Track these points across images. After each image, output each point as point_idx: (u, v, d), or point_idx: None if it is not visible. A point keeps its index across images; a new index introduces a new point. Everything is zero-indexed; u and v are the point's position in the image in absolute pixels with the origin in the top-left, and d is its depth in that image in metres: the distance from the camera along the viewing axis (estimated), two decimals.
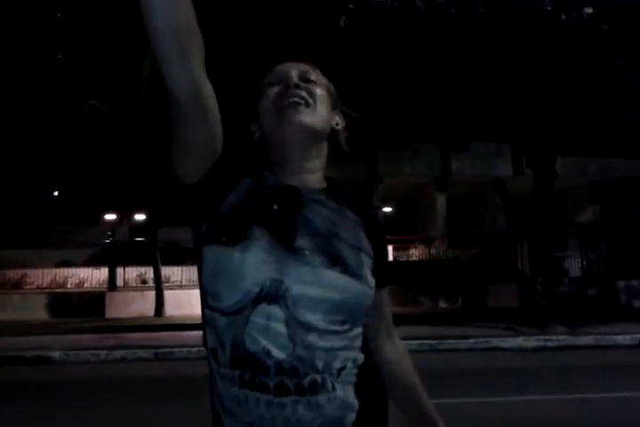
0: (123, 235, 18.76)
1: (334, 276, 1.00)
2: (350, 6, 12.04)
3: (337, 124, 1.19)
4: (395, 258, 18.26)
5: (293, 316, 0.98)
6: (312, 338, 0.98)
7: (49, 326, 13.10)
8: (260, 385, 0.97)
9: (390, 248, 18.20)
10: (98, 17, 14.42)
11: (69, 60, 15.21)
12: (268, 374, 0.96)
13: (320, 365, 0.98)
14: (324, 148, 1.17)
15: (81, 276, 17.82)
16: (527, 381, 6.49)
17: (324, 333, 0.98)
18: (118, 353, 9.09)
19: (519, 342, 9.83)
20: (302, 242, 1.02)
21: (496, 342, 9.78)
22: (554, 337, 10.04)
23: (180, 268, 16.43)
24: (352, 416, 1.02)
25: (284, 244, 1.02)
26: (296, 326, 0.97)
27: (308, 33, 12.77)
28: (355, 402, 1.03)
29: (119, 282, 17.36)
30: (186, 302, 15.05)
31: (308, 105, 1.11)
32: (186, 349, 9.39)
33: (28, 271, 16.50)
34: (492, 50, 12.92)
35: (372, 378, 1.10)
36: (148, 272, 16.42)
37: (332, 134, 1.18)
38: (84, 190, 17.23)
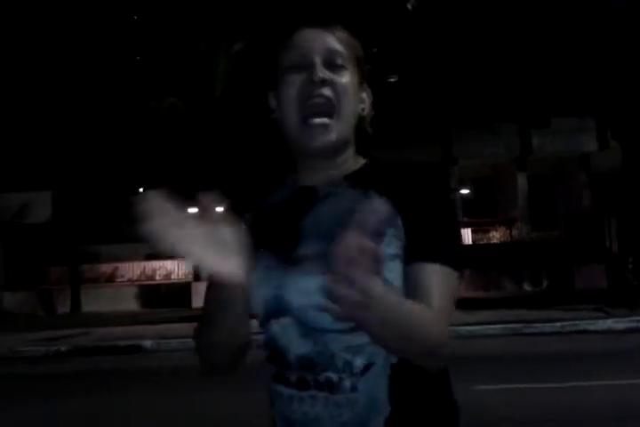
0: None
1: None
2: None
3: (363, 110, 1.09)
4: (474, 241, 17.88)
5: (304, 324, 0.98)
6: (329, 337, 0.97)
7: (140, 317, 13.70)
8: (284, 380, 1.00)
9: (469, 231, 17.84)
10: (174, 18, 14.81)
11: (148, 61, 15.70)
12: (290, 368, 1.00)
13: (339, 363, 0.97)
14: (352, 140, 1.09)
15: (168, 268, 18.54)
16: (616, 364, 6.25)
17: (340, 332, 0.95)
18: (174, 344, 9.37)
19: (609, 324, 9.46)
20: (306, 249, 1.00)
21: (585, 324, 9.46)
22: None
23: None
24: (379, 420, 0.97)
25: (285, 258, 1.01)
26: (310, 331, 0.98)
27: (375, 19, 12.63)
28: (385, 406, 0.97)
29: (204, 273, 17.93)
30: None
31: (332, 107, 1.02)
32: None
33: (120, 265, 17.29)
34: (566, 21, 12.37)
35: (415, 381, 0.99)
36: None
37: (359, 122, 1.08)
38: (167, 185, 17.82)
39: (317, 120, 1.02)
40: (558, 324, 9.48)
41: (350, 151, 1.09)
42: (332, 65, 1.03)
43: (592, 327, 9.37)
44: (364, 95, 1.10)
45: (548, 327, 9.37)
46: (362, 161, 1.10)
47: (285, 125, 1.05)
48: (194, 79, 15.27)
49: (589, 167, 19.53)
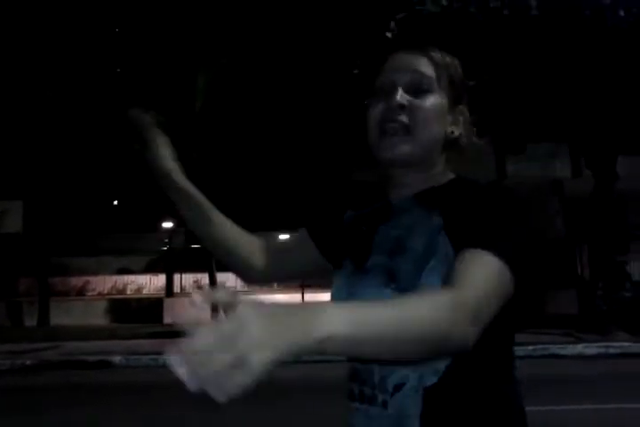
0: (179, 242, 19.18)
1: (389, 294, 1.01)
2: (398, 16, 12.05)
3: (452, 133, 1.10)
4: None
5: None
6: None
7: (110, 332, 13.49)
8: (348, 391, 1.07)
9: None
10: (156, 32, 14.84)
11: (129, 74, 15.69)
12: (350, 379, 1.06)
13: (376, 379, 1.00)
14: (434, 160, 1.11)
15: (139, 282, 18.30)
16: (586, 389, 6.30)
17: None
18: None
19: (579, 349, 9.56)
20: (373, 262, 1.07)
21: (555, 349, 9.56)
22: (616, 344, 9.73)
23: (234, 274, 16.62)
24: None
25: (357, 267, 1.09)
26: None
27: (356, 42, 12.82)
28: (415, 425, 0.96)
29: (176, 288, 17.74)
30: None
31: (407, 132, 1.06)
32: None
33: (91, 278, 17.05)
34: (548, 49, 12.65)
35: (454, 409, 0.97)
36: (204, 278, 16.71)
37: (450, 143, 1.11)
38: (142, 199, 17.71)
39: (390, 133, 1.07)
40: (529, 347, 9.53)
41: (433, 171, 1.11)
42: (415, 89, 1.06)
43: (562, 352, 9.46)
44: (458, 117, 1.12)
45: (518, 351, 9.35)
46: (447, 179, 1.12)
47: (369, 142, 1.12)
48: (174, 93, 15.28)
49: (563, 193, 19.87)
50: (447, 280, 0.89)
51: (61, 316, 16.18)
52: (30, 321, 16.46)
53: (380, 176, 1.17)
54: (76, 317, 16.10)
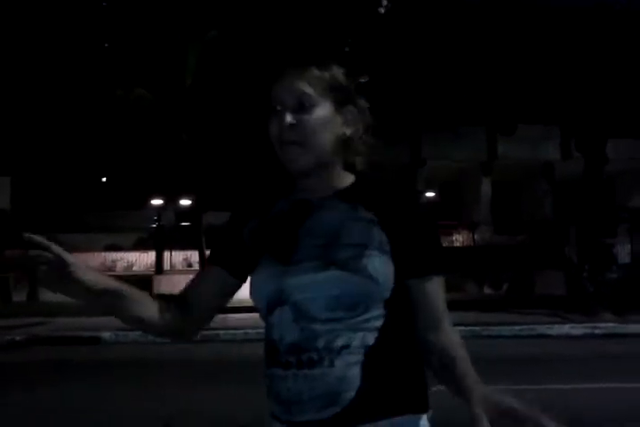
0: (169, 219, 19.12)
1: (328, 274, 1.15)
2: None
3: (345, 133, 1.25)
4: None
5: (299, 312, 1.17)
6: (316, 325, 1.15)
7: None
8: (276, 363, 1.18)
9: None
10: (144, 5, 14.59)
11: (117, 49, 15.47)
12: (280, 354, 1.17)
13: (321, 344, 1.14)
14: (331, 163, 1.26)
15: (129, 259, 18.26)
16: (572, 369, 6.39)
17: (326, 321, 1.14)
18: None
19: (566, 329, 9.68)
20: (301, 255, 1.20)
21: (542, 329, 9.66)
22: (602, 324, 9.86)
23: None
24: (350, 394, 1.13)
25: (283, 262, 1.21)
26: (302, 319, 1.16)
27: (348, 19, 12.66)
28: (356, 380, 1.13)
29: (166, 265, 17.72)
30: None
31: (302, 144, 1.21)
32: (231, 331, 9.56)
33: (80, 255, 16.93)
34: (538, 30, 12.57)
35: (389, 360, 1.17)
36: (194, 256, 16.69)
37: (343, 143, 1.25)
38: (131, 176, 17.62)
39: (286, 148, 1.22)
40: (517, 327, 9.65)
41: (335, 170, 1.27)
42: (300, 106, 1.22)
43: (549, 332, 9.57)
44: (348, 117, 1.26)
45: (505, 331, 9.53)
46: (350, 178, 1.28)
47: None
48: (163, 68, 15.06)
49: (553, 176, 19.96)
50: (418, 307, 1.20)
51: (50, 292, 16.14)
52: (19, 297, 16.45)
53: (278, 181, 1.31)
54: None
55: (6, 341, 9.54)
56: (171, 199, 17.97)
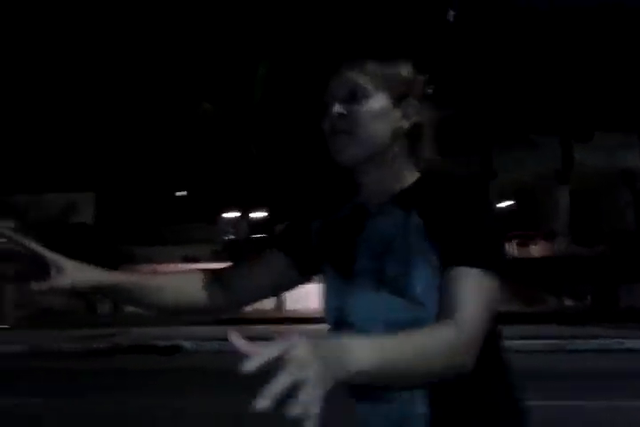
0: (243, 231, 19.47)
1: (382, 297, 1.09)
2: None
3: (402, 127, 1.16)
4: (516, 254, 17.57)
5: (360, 333, 1.07)
6: None
7: (179, 318, 13.75)
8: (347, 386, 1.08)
9: (514, 244, 17.55)
10: (214, 21, 15.02)
11: (190, 65, 15.96)
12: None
13: None
14: (391, 153, 1.17)
15: None
16: None
17: None
18: (215, 345, 9.31)
19: None
20: (359, 266, 1.14)
21: (630, 343, 9.21)
22: None
23: None
24: (417, 424, 1.06)
25: (342, 273, 1.15)
26: None
27: (417, 29, 12.63)
28: (422, 410, 1.06)
29: None
30: (304, 296, 15.36)
31: (350, 134, 1.14)
32: None
33: (157, 266, 17.51)
34: (614, 34, 12.13)
35: (457, 388, 1.04)
36: None
37: (402, 138, 1.17)
38: (206, 189, 18.10)
39: (334, 139, 1.15)
40: (602, 341, 9.27)
41: (393, 168, 1.17)
42: (352, 97, 1.15)
43: (638, 346, 9.09)
44: (408, 110, 1.17)
45: (591, 344, 9.16)
46: (413, 178, 1.18)
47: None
48: (232, 83, 15.41)
49: (634, 184, 19.02)
50: (444, 306, 1.00)
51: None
52: (103, 308, 17.01)
53: (342, 180, 1.23)
54: None
55: (90, 349, 9.88)
56: (244, 211, 18.34)
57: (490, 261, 1.03)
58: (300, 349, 0.74)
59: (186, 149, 15.88)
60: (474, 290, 1.00)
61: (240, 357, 0.76)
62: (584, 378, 6.49)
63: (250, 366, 0.72)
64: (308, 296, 15.19)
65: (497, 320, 1.09)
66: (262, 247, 1.35)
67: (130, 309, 14.51)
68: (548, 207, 19.88)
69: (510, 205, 19.61)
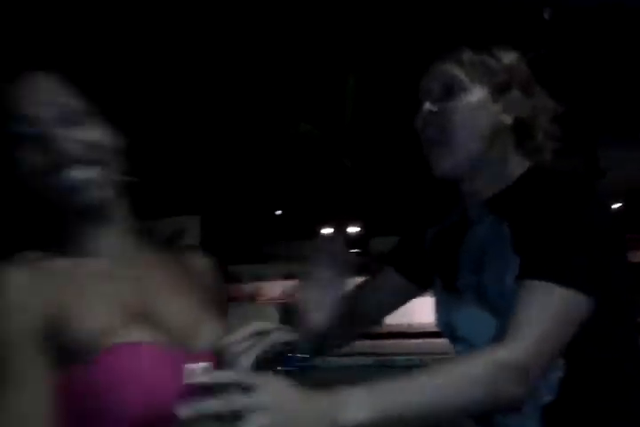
0: (339, 247, 19.54)
1: (483, 314, 1.00)
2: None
3: (503, 122, 1.04)
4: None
5: (471, 349, 1.03)
6: None
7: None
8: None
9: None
10: (301, 41, 15.35)
11: (282, 86, 16.36)
12: None
13: None
14: (491, 158, 1.04)
15: None
16: None
17: None
18: (345, 360, 9.45)
19: None
20: (463, 281, 1.06)
21: None
22: None
23: None
24: None
25: (447, 287, 1.10)
26: None
27: (513, 24, 12.31)
28: None
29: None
30: (403, 310, 15.19)
31: (446, 143, 1.03)
32: (411, 357, 9.49)
33: (261, 284, 17.98)
34: None
35: (571, 420, 0.91)
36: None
37: (500, 133, 1.05)
38: (303, 207, 18.45)
39: (430, 140, 1.06)
40: None
41: (500, 167, 1.05)
42: (446, 92, 1.04)
43: None
44: (510, 103, 1.05)
45: None
46: (515, 177, 1.05)
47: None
48: (325, 105, 15.66)
49: None
50: (505, 324, 0.85)
51: (237, 320, 17.43)
52: None
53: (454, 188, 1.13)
54: (250, 320, 17.12)
55: None
56: (339, 227, 18.52)
57: (571, 275, 0.86)
58: (263, 395, 0.67)
59: (283, 169, 16.27)
60: (538, 304, 0.84)
61: None
62: None
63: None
64: (406, 310, 14.99)
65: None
66: (378, 263, 1.34)
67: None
68: None
69: (619, 207, 18.50)
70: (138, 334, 0.85)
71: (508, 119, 1.04)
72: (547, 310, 0.84)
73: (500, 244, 0.98)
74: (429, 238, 1.19)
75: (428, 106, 1.04)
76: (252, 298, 18.07)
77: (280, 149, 15.91)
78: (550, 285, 0.85)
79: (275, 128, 15.68)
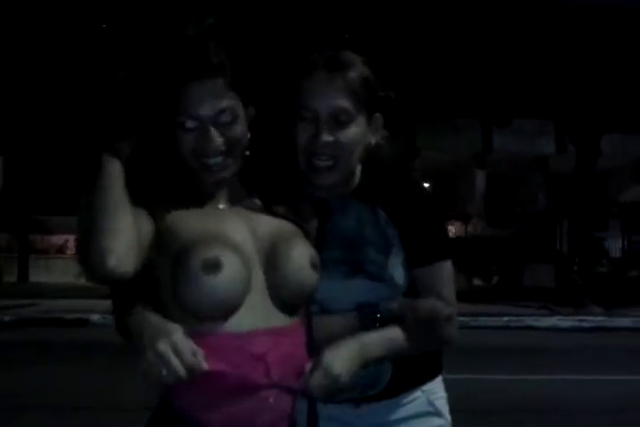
0: None
1: (357, 283, 1.21)
2: None
3: (371, 143, 1.26)
4: None
5: (325, 311, 1.22)
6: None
7: (88, 291, 10.25)
8: None
9: None
10: None
11: (115, 31, 12.08)
12: None
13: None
14: (355, 167, 1.28)
15: None
16: (558, 360, 6.47)
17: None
18: None
19: (553, 321, 9.55)
20: (329, 254, 1.21)
21: (530, 320, 9.44)
22: (589, 318, 9.76)
23: None
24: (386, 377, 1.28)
25: None
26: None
27: (346, 9, 12.17)
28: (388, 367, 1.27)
29: None
30: None
31: (334, 167, 1.21)
32: None
33: (71, 237, 13.77)
34: (534, 24, 12.10)
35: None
36: None
37: (369, 151, 1.27)
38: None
39: (321, 165, 1.22)
40: (505, 318, 9.51)
41: (356, 172, 1.29)
42: (337, 121, 1.20)
43: (537, 324, 9.39)
44: (376, 125, 1.27)
45: (493, 322, 9.38)
46: (359, 170, 1.29)
47: (297, 157, 1.26)
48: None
49: (547, 169, 18.08)
50: (425, 291, 1.23)
51: (41, 273, 14.55)
52: (9, 278, 14.43)
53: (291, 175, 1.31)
54: (56, 275, 14.31)
55: None
56: None
57: (449, 249, 1.27)
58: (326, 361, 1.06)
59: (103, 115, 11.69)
60: (447, 278, 1.25)
61: None
62: (487, 353, 6.66)
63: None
64: None
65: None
66: None
67: (36, 280, 15.24)
68: (465, 190, 18.45)
69: (427, 187, 17.08)
70: (217, 250, 1.07)
71: (373, 140, 1.27)
72: (449, 277, 1.27)
73: (377, 224, 1.24)
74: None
75: (325, 137, 1.18)
76: (61, 251, 15.68)
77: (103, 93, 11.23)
78: (445, 262, 1.26)
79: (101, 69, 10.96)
